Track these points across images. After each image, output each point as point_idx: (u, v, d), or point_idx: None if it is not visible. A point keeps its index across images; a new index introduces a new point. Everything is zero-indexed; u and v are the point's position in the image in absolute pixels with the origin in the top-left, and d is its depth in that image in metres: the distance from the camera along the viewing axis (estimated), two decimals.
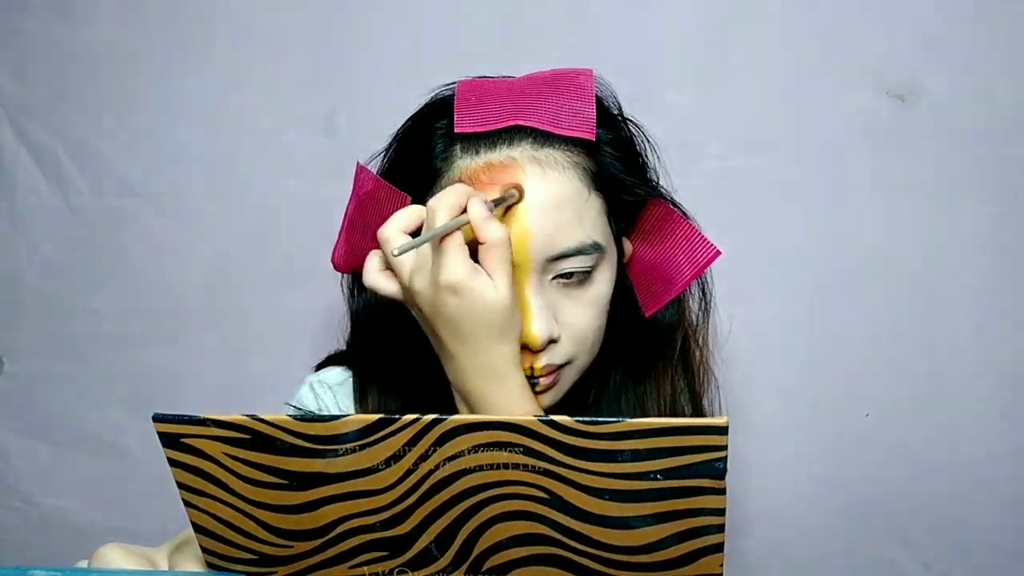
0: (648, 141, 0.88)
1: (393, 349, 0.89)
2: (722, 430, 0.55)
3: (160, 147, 1.44)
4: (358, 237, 0.86)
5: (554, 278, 0.80)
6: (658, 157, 0.89)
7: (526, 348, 0.78)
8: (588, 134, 0.79)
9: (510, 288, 0.73)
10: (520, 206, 0.77)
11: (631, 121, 0.87)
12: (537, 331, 0.78)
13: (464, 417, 0.56)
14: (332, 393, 0.96)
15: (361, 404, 0.93)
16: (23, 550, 1.48)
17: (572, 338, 0.81)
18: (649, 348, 0.91)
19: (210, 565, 0.64)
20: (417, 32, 1.36)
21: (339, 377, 0.97)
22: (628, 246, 0.89)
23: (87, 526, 1.48)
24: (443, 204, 0.72)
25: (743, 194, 1.30)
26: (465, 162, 0.80)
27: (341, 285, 0.94)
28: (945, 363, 1.31)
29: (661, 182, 0.90)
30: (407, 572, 0.62)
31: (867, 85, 1.29)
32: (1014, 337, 1.29)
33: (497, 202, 0.76)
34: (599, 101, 0.82)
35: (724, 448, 0.55)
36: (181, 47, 1.42)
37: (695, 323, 0.93)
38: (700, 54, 1.32)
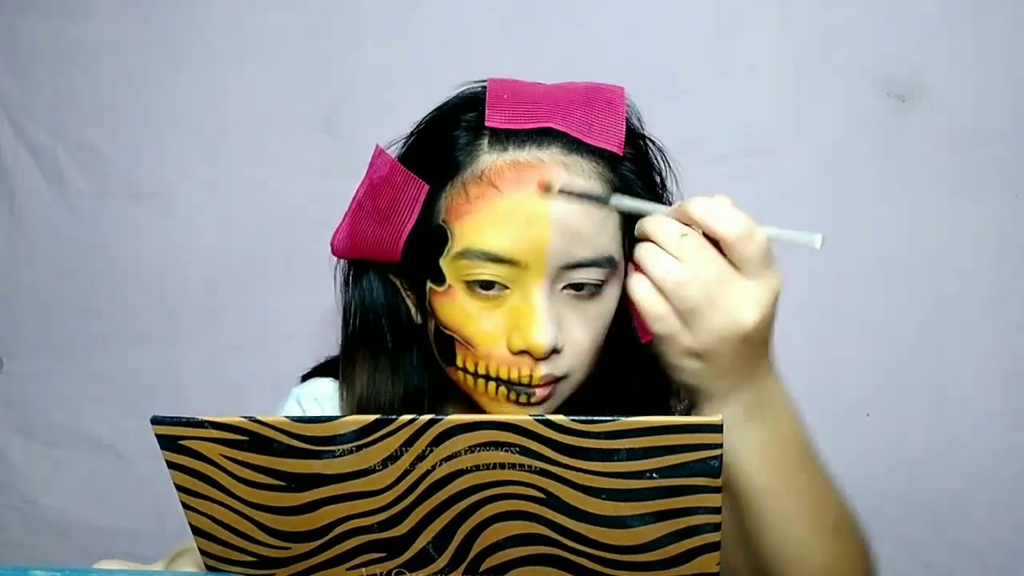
0: (667, 164, 0.86)
1: (385, 346, 0.88)
2: (716, 428, 0.55)
3: (160, 147, 1.44)
4: (364, 222, 0.84)
5: (564, 287, 0.78)
6: (676, 181, 0.87)
7: (526, 354, 0.77)
8: (616, 147, 0.79)
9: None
10: (542, 210, 0.75)
11: (653, 141, 0.85)
12: (543, 339, 0.75)
13: (460, 417, 0.56)
14: (319, 406, 0.94)
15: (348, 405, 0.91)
16: (23, 550, 1.48)
17: (573, 351, 0.79)
18: (653, 381, 0.87)
19: (209, 567, 0.64)
20: (417, 32, 1.36)
21: (328, 389, 0.94)
22: (630, 269, 0.87)
23: (87, 526, 1.48)
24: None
25: (742, 194, 1.28)
26: (491, 157, 0.78)
27: (335, 272, 0.91)
28: (945, 363, 1.31)
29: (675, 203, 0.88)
30: (405, 573, 0.62)
31: (867, 85, 1.29)
32: (1014, 336, 1.29)
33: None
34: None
35: (719, 446, 0.55)
36: (181, 47, 1.42)
37: None
38: (701, 54, 1.32)
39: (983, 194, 1.28)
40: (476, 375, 0.79)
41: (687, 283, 0.63)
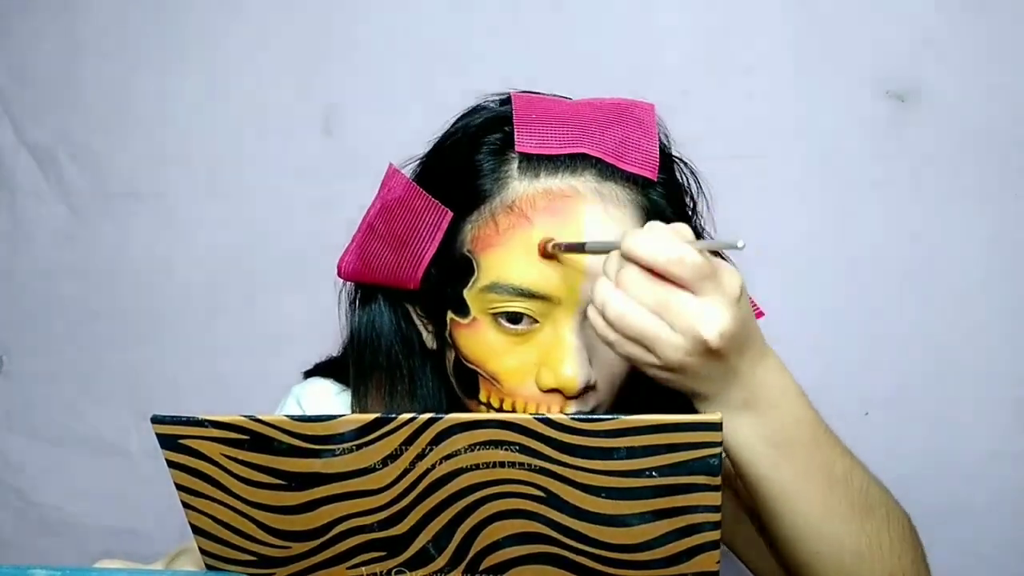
0: (699, 185, 0.83)
1: (401, 373, 0.85)
2: (716, 426, 0.55)
3: (160, 147, 1.44)
4: (377, 246, 0.81)
5: None
6: (707, 203, 0.84)
7: (557, 392, 0.73)
8: (651, 172, 0.75)
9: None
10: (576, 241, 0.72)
11: (685, 163, 0.83)
12: (574, 373, 0.72)
13: (460, 416, 0.56)
14: (319, 406, 0.91)
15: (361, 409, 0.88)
16: (23, 550, 1.48)
17: (605, 384, 0.76)
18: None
19: (209, 567, 0.64)
20: (417, 32, 1.36)
21: (329, 391, 0.92)
22: None
23: (87, 526, 1.48)
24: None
25: (743, 194, 1.29)
26: (522, 185, 0.74)
27: (340, 295, 0.89)
28: (945, 363, 1.30)
29: (706, 227, 0.86)
30: (405, 572, 0.62)
31: (867, 85, 1.29)
32: (1014, 337, 1.29)
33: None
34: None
35: (718, 444, 0.55)
36: (181, 48, 1.42)
37: None
38: (701, 54, 1.32)
39: (983, 194, 1.28)
40: (501, 412, 0.76)
41: (626, 314, 0.62)
